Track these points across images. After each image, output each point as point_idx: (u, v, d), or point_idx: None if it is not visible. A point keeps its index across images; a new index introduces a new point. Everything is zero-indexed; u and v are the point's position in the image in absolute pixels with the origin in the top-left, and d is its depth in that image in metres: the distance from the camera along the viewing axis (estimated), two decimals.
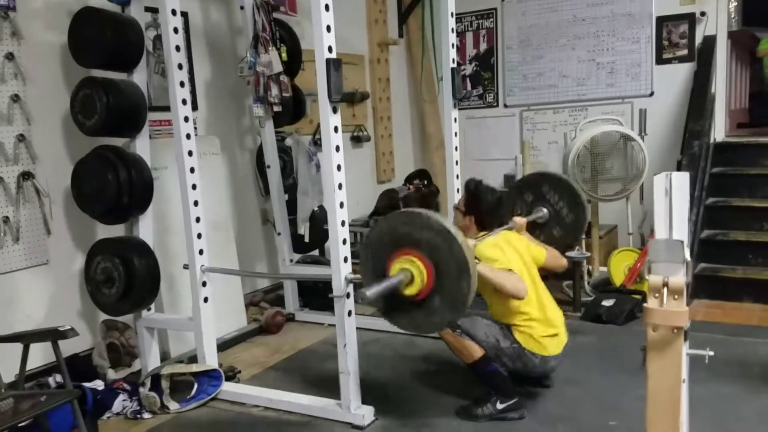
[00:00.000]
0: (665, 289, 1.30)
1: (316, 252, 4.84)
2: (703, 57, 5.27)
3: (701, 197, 4.82)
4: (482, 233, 3.05)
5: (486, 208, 3.07)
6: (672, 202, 1.35)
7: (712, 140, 5.25)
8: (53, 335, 2.62)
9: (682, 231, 1.33)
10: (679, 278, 1.31)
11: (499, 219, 3.15)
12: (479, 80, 6.38)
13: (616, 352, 3.64)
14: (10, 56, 3.23)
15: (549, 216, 3.59)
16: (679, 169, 4.79)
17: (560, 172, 3.98)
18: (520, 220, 3.33)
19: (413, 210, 2.60)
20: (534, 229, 3.50)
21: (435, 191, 5.79)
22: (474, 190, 3.11)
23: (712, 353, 1.39)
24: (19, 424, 2.62)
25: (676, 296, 1.30)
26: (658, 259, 1.33)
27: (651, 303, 1.33)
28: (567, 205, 3.56)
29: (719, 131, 5.43)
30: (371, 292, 2.40)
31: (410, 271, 2.47)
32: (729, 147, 5.26)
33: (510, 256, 2.95)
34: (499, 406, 2.92)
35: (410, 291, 2.49)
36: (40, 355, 3.15)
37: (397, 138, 6.43)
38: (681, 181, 1.37)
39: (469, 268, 2.39)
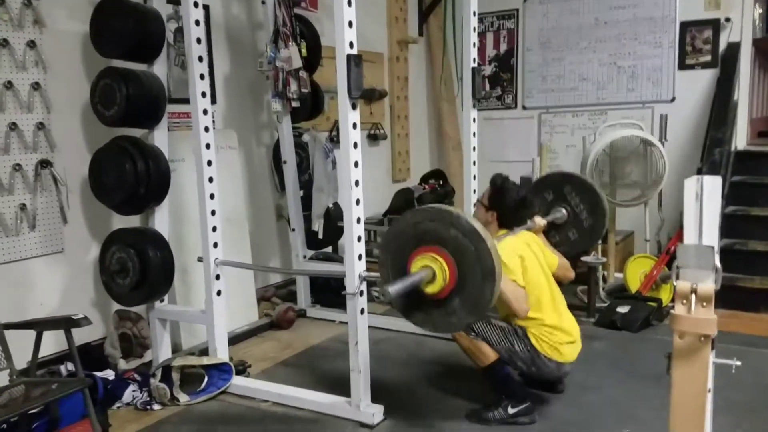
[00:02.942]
0: (693, 295, 1.27)
1: (329, 249, 4.83)
2: (726, 64, 5.21)
3: (721, 206, 4.75)
4: (502, 231, 3.01)
5: (510, 206, 3.01)
6: (703, 207, 1.32)
7: (733, 148, 5.18)
8: (66, 323, 2.63)
9: (712, 237, 1.30)
10: (709, 285, 1.28)
11: (522, 219, 3.09)
12: (498, 81, 6.35)
13: (631, 360, 3.59)
14: (31, 44, 3.24)
15: (567, 218, 3.55)
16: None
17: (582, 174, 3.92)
18: (540, 221, 3.28)
19: (442, 206, 2.52)
20: (550, 229, 3.45)
21: (450, 191, 5.75)
22: (500, 185, 3.03)
23: (739, 363, 1.35)
24: (30, 411, 2.64)
25: (705, 303, 1.27)
26: (687, 265, 1.29)
27: (679, 309, 1.29)
28: (587, 209, 3.51)
29: (741, 139, 5.36)
30: (394, 288, 2.34)
31: (432, 269, 2.42)
32: (750, 156, 5.19)
33: (528, 263, 2.89)
34: (511, 410, 2.89)
35: (431, 289, 2.45)
36: (52, 342, 3.16)
37: (414, 137, 6.40)
38: (712, 185, 1.34)
39: (495, 273, 2.33)
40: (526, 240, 3.03)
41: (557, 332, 2.89)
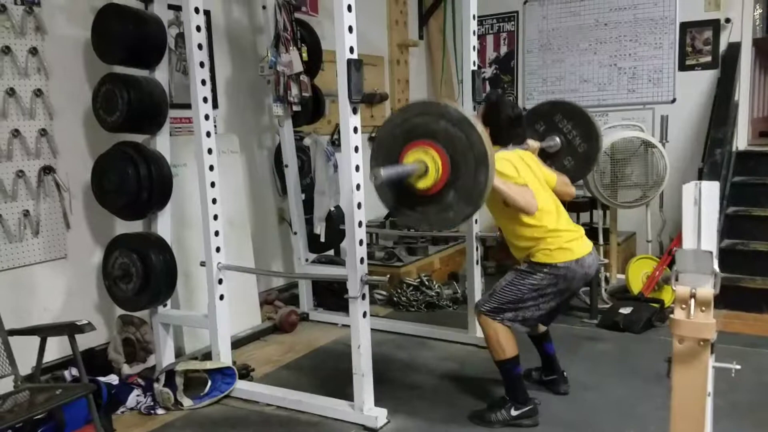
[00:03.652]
0: (692, 300, 1.28)
1: (331, 252, 4.84)
2: (727, 64, 5.21)
3: (722, 206, 4.76)
4: (495, 148, 2.86)
5: (505, 122, 2.93)
6: (701, 212, 1.33)
7: (734, 149, 5.19)
8: (70, 329, 2.64)
9: (711, 241, 1.31)
10: (708, 290, 1.28)
11: (516, 136, 3.01)
12: (499, 83, 6.35)
13: (633, 361, 3.60)
14: (33, 51, 3.25)
15: (561, 145, 3.48)
16: (700, 177, 4.74)
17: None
18: (534, 143, 3.24)
19: (429, 99, 2.53)
20: (545, 159, 3.36)
21: None
22: (495, 101, 2.99)
23: (738, 367, 1.36)
24: (34, 417, 2.64)
25: (704, 308, 1.28)
26: (685, 270, 1.30)
27: (678, 314, 1.30)
28: (580, 135, 3.44)
29: (742, 140, 5.36)
30: (385, 170, 2.32)
31: (424, 163, 2.39)
32: (751, 156, 5.19)
33: (522, 172, 2.85)
34: (514, 412, 2.90)
35: (424, 184, 2.42)
36: (56, 348, 3.17)
37: None
38: (710, 190, 1.34)
39: (487, 159, 2.29)
40: (521, 155, 2.98)
41: (563, 233, 2.84)
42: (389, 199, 2.62)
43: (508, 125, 2.95)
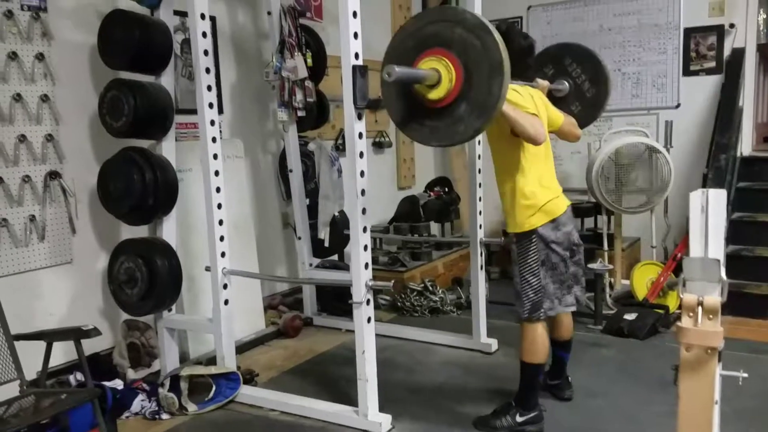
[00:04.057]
0: (700, 308, 1.28)
1: (335, 257, 4.84)
2: (731, 69, 5.20)
3: (727, 212, 4.74)
4: None
5: (515, 51, 2.72)
6: (708, 220, 1.33)
7: (738, 154, 5.18)
8: (76, 334, 2.64)
9: (718, 249, 1.31)
10: (715, 298, 1.28)
11: (526, 69, 2.93)
12: None
13: (638, 367, 3.59)
14: (40, 56, 3.27)
15: (569, 89, 3.43)
16: (704, 182, 4.73)
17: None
18: (543, 82, 3.17)
19: (445, 6, 2.42)
20: (553, 103, 3.30)
21: (455, 198, 5.77)
22: (506, 30, 2.83)
23: (745, 375, 1.36)
24: (40, 422, 2.65)
25: (711, 316, 1.28)
26: (693, 278, 1.30)
27: (685, 322, 1.30)
28: (589, 79, 3.39)
29: (746, 145, 5.35)
30: (400, 68, 2.24)
31: (437, 71, 2.33)
32: (756, 161, 5.19)
33: (531, 105, 2.78)
34: (519, 419, 2.89)
35: (435, 95, 2.35)
36: (61, 352, 3.18)
37: (419, 145, 6.40)
38: (717, 198, 1.35)
39: (503, 67, 2.21)
40: (530, 92, 2.91)
41: (547, 191, 2.83)
42: (398, 111, 2.52)
43: (519, 55, 2.81)
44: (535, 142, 2.67)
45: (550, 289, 2.85)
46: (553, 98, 3.34)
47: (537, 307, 2.83)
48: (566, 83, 3.44)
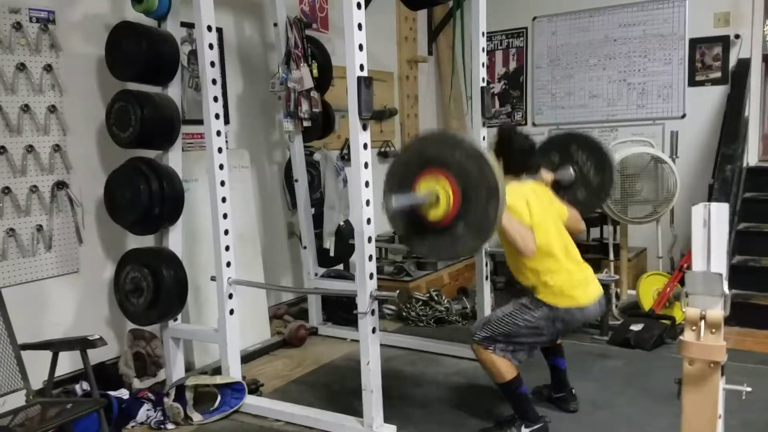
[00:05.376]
0: (702, 322, 1.28)
1: (340, 266, 4.85)
2: (737, 80, 5.20)
3: (733, 222, 4.73)
4: (509, 178, 2.90)
5: (517, 152, 2.95)
6: (710, 234, 1.33)
7: (744, 164, 5.17)
8: (82, 344, 2.65)
9: (720, 263, 1.31)
10: (717, 312, 1.28)
11: (529, 167, 3.04)
12: (508, 98, 6.37)
13: (644, 378, 3.57)
14: (48, 68, 3.30)
15: (575, 177, 3.49)
16: (710, 193, 4.72)
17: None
18: (547, 175, 3.25)
19: (446, 131, 2.58)
20: (558, 190, 3.36)
21: None
22: (508, 132, 3.02)
23: (749, 389, 1.35)
24: None
25: (714, 330, 1.27)
26: (695, 292, 1.30)
27: (688, 336, 1.30)
28: (594, 166, 3.45)
29: (752, 156, 5.35)
30: (396, 200, 2.37)
31: (436, 192, 2.43)
32: (762, 172, 5.17)
33: (534, 206, 2.84)
34: (524, 430, 2.88)
35: (434, 215, 2.45)
36: (67, 362, 3.20)
37: None
38: (720, 212, 1.35)
39: (498, 192, 2.32)
40: (533, 188, 2.98)
41: (567, 275, 2.83)
42: (400, 227, 2.65)
43: (521, 156, 2.98)
44: (523, 255, 2.74)
45: (516, 339, 2.84)
46: (560, 185, 3.42)
47: (492, 341, 2.84)
48: (571, 170, 3.52)
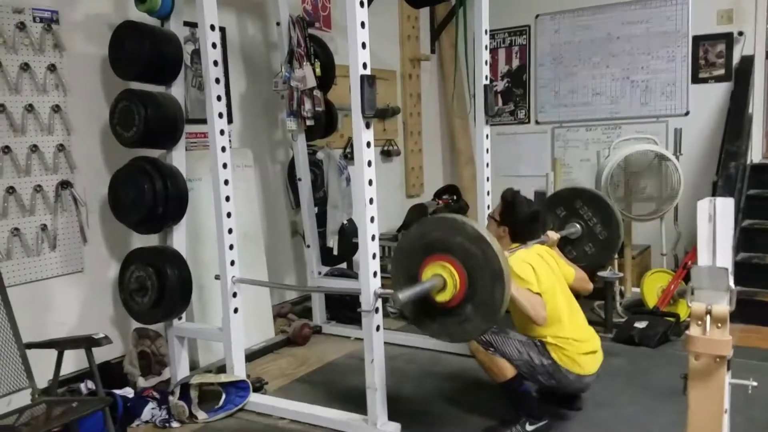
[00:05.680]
0: (708, 317, 1.28)
1: (344, 265, 4.85)
2: (740, 77, 5.19)
3: (737, 219, 4.72)
4: (515, 245, 3.01)
5: (521, 220, 3.02)
6: (716, 229, 1.33)
7: (748, 161, 5.15)
8: (87, 343, 2.66)
9: (726, 258, 1.30)
10: (723, 306, 1.28)
11: (534, 233, 3.10)
12: (511, 96, 6.37)
13: (649, 375, 3.57)
14: (52, 68, 3.31)
15: (582, 232, 3.55)
16: (714, 190, 4.71)
17: (594, 188, 3.94)
18: (554, 235, 3.27)
19: (447, 215, 2.60)
20: (566, 245, 3.45)
21: (464, 206, 5.77)
22: (511, 200, 3.06)
23: (755, 383, 1.35)
24: (51, 430, 2.66)
25: (720, 324, 1.27)
26: (701, 287, 1.30)
27: (694, 331, 1.30)
28: (601, 222, 3.52)
29: (756, 152, 5.33)
30: (404, 294, 2.39)
31: (442, 277, 2.45)
32: (766, 169, 5.15)
33: (541, 272, 2.88)
34: (529, 427, 2.88)
35: (442, 297, 2.47)
36: (72, 361, 3.20)
37: (427, 153, 6.43)
38: (725, 207, 1.34)
39: (503, 275, 2.35)
40: (539, 252, 3.03)
41: (575, 343, 2.87)
42: (410, 311, 2.66)
43: (525, 222, 3.03)
44: (536, 323, 2.76)
45: (513, 362, 2.85)
46: (567, 240, 3.46)
47: (487, 346, 2.85)
48: (578, 226, 3.59)
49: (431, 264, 2.50)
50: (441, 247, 2.49)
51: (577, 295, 3.10)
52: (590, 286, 3.24)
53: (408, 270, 2.60)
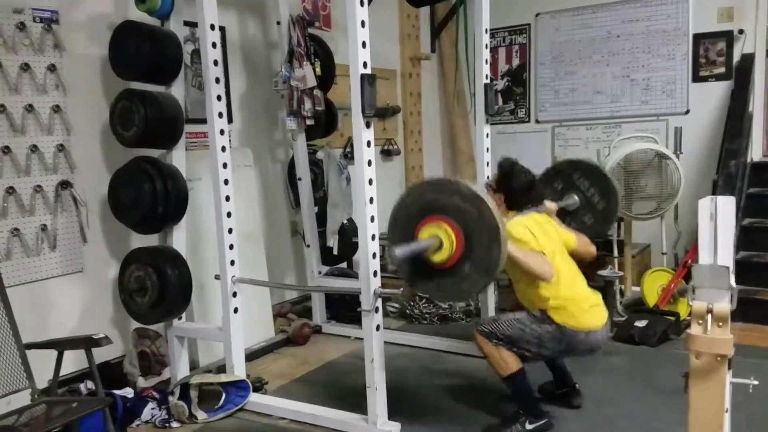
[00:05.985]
0: (709, 315, 1.27)
1: (344, 264, 4.85)
2: (740, 75, 5.18)
3: (737, 218, 4.72)
4: (511, 213, 2.99)
5: (518, 187, 3.01)
6: (717, 227, 1.32)
7: (749, 160, 5.15)
8: (87, 343, 2.65)
9: (727, 256, 1.30)
10: (724, 305, 1.28)
11: (530, 201, 3.07)
12: (511, 95, 6.37)
13: (649, 374, 3.57)
14: (52, 68, 3.31)
15: (580, 203, 3.55)
16: (714, 188, 4.71)
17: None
18: (551, 205, 3.26)
19: (441, 177, 2.62)
20: (565, 216, 3.44)
21: None
22: (508, 168, 3.07)
23: (756, 382, 1.35)
24: (51, 431, 2.66)
25: (721, 323, 1.27)
26: (702, 285, 1.30)
27: (695, 329, 1.30)
28: (598, 192, 3.52)
29: (756, 151, 5.33)
30: (400, 250, 2.41)
31: (439, 237, 2.46)
32: (766, 167, 5.15)
33: (539, 237, 2.87)
34: (529, 426, 2.88)
35: (439, 258, 2.49)
36: (72, 361, 3.19)
37: (427, 152, 6.43)
38: (726, 205, 1.34)
39: (499, 232, 2.37)
40: (536, 219, 3.00)
41: (576, 301, 2.86)
42: (406, 271, 2.67)
43: (523, 191, 3.03)
44: (543, 279, 2.76)
45: (520, 344, 2.85)
46: (566, 212, 3.46)
47: (496, 338, 2.86)
48: (576, 197, 3.58)
49: (427, 225, 2.52)
50: (436, 208, 2.51)
51: (582, 264, 3.08)
52: (593, 249, 3.21)
53: (404, 232, 2.60)
